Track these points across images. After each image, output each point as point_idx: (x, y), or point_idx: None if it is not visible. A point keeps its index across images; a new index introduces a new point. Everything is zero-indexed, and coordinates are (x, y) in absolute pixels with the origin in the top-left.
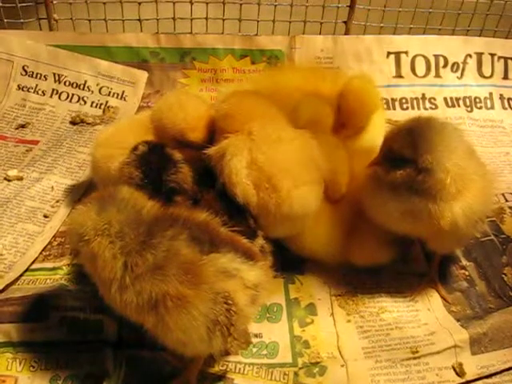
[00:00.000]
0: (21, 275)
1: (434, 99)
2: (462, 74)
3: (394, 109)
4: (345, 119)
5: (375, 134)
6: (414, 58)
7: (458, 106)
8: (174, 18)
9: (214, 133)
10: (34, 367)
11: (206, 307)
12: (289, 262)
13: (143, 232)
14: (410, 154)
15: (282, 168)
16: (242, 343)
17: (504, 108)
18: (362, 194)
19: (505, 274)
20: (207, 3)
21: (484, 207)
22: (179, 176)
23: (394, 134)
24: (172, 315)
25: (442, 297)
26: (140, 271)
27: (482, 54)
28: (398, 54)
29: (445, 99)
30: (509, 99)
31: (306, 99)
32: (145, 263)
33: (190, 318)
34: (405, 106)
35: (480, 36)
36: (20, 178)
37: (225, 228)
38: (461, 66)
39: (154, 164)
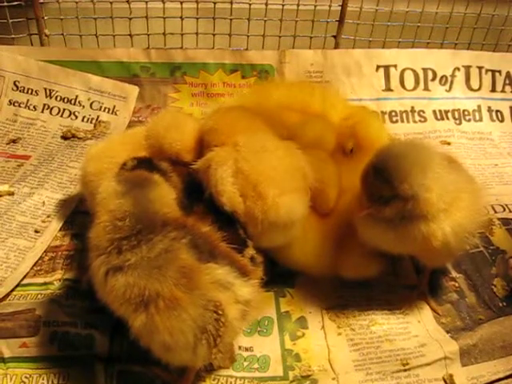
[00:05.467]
0: (12, 290)
1: (423, 112)
2: (450, 87)
3: (384, 122)
4: (361, 155)
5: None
6: (402, 71)
7: (447, 118)
8: (164, 33)
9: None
10: (24, 383)
11: (196, 313)
12: (280, 275)
13: (145, 227)
14: (388, 191)
15: (267, 176)
16: (227, 358)
17: (492, 120)
18: (356, 225)
19: (494, 285)
20: (197, 18)
21: (474, 223)
22: (169, 184)
23: (365, 178)
24: (162, 316)
25: (432, 309)
26: (133, 260)
27: (469, 67)
28: (387, 68)
29: (434, 112)
30: (497, 111)
31: (312, 119)
32: (138, 254)
33: (180, 320)
34: (394, 118)
35: (468, 49)
36: (11, 193)
37: (224, 243)
38: (449, 79)
39: None
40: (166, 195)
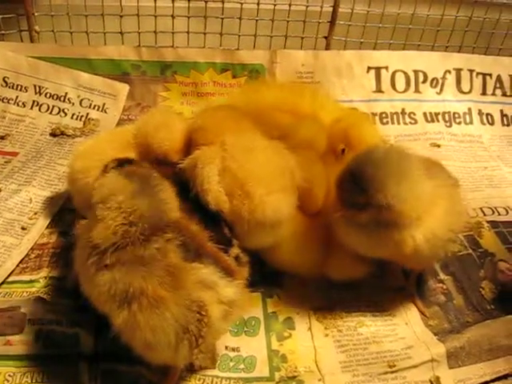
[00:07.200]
0: None
1: (414, 114)
2: (441, 90)
3: (374, 123)
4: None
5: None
6: (393, 73)
7: (438, 121)
8: (155, 32)
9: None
10: (8, 381)
11: (179, 312)
12: (267, 275)
13: (150, 230)
14: (363, 200)
15: (254, 175)
16: (208, 358)
17: (482, 123)
18: (334, 227)
19: (482, 288)
20: (189, 17)
21: (450, 229)
22: None
23: (340, 184)
24: (145, 314)
25: (420, 311)
26: (125, 258)
27: (460, 69)
28: (378, 69)
29: (424, 114)
30: (487, 114)
31: (305, 120)
32: (133, 253)
33: (162, 319)
34: (385, 120)
35: (459, 52)
36: None
37: (211, 243)
38: (440, 81)
39: None
40: (173, 196)
